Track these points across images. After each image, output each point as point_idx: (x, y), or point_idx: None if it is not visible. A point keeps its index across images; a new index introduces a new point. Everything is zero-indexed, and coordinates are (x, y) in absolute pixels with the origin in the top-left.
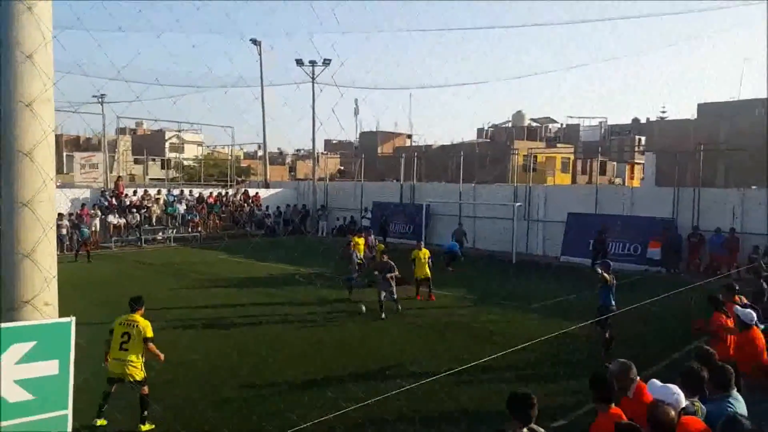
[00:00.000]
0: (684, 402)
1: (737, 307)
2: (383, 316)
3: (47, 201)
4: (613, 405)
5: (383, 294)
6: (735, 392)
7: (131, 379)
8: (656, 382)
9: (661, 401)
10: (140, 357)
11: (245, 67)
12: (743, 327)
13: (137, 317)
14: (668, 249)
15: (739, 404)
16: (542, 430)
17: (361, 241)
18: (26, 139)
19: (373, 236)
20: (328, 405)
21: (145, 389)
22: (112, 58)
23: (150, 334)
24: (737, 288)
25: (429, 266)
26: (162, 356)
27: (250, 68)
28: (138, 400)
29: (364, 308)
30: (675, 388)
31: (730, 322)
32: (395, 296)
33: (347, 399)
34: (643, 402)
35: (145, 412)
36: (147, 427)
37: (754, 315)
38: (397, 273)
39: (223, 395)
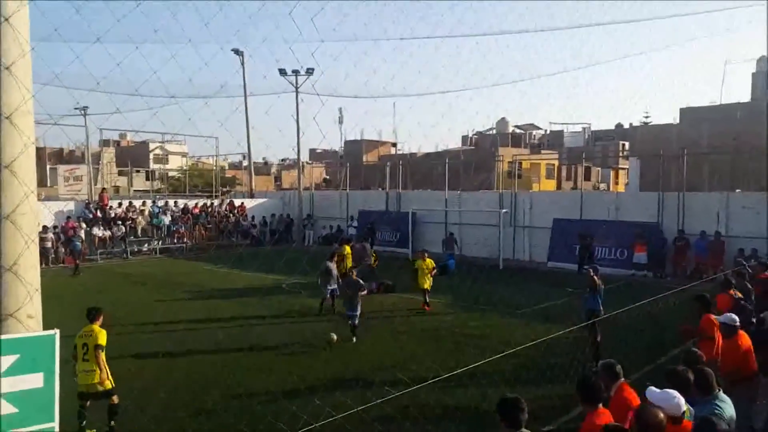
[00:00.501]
0: (684, 406)
1: (717, 317)
2: (354, 340)
3: (29, 213)
4: (600, 406)
5: (350, 317)
6: (721, 393)
7: (100, 389)
8: (654, 389)
9: (656, 405)
10: (104, 362)
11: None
12: (728, 334)
13: (94, 327)
14: (652, 253)
15: (726, 405)
16: None
17: (349, 249)
18: (6, 151)
19: (368, 244)
20: (315, 413)
21: (115, 399)
22: (91, 70)
23: (101, 342)
24: (733, 282)
25: (431, 277)
26: (105, 371)
27: (231, 78)
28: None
29: (335, 337)
30: (674, 392)
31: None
32: (356, 322)
33: (334, 406)
34: (622, 400)
35: (113, 422)
36: None
37: (737, 319)
38: (364, 293)
39: (207, 405)
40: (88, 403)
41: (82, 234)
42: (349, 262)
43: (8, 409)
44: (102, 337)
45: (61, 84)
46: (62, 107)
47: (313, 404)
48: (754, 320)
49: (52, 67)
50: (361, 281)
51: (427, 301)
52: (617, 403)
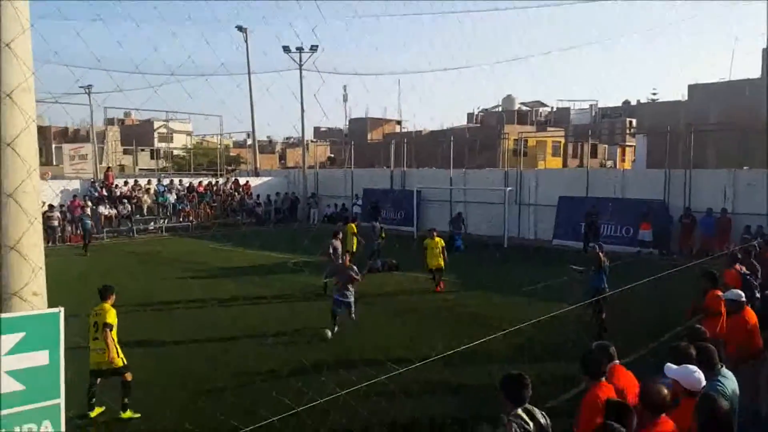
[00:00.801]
0: (704, 381)
1: (724, 293)
2: (335, 330)
3: (32, 192)
4: (603, 379)
5: (338, 309)
6: (724, 369)
7: (110, 367)
8: (671, 365)
9: (682, 385)
10: (114, 341)
11: (228, 56)
12: (734, 310)
13: (105, 305)
14: (657, 231)
15: (728, 381)
16: (536, 410)
17: (354, 228)
18: (8, 129)
19: (378, 223)
20: (320, 390)
21: (128, 376)
22: (92, 48)
23: (109, 320)
24: (740, 257)
25: (444, 257)
26: (112, 350)
27: (233, 56)
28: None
29: (329, 334)
30: (693, 367)
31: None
32: (351, 310)
33: (338, 383)
34: (615, 383)
35: (126, 399)
36: (128, 414)
37: (743, 294)
38: (360, 279)
39: (212, 382)
40: (99, 381)
41: (88, 213)
42: (354, 241)
43: (15, 386)
44: (111, 316)
45: (62, 62)
46: (65, 86)
47: (318, 381)
48: (758, 296)
49: (53, 45)
50: (354, 268)
51: (438, 280)
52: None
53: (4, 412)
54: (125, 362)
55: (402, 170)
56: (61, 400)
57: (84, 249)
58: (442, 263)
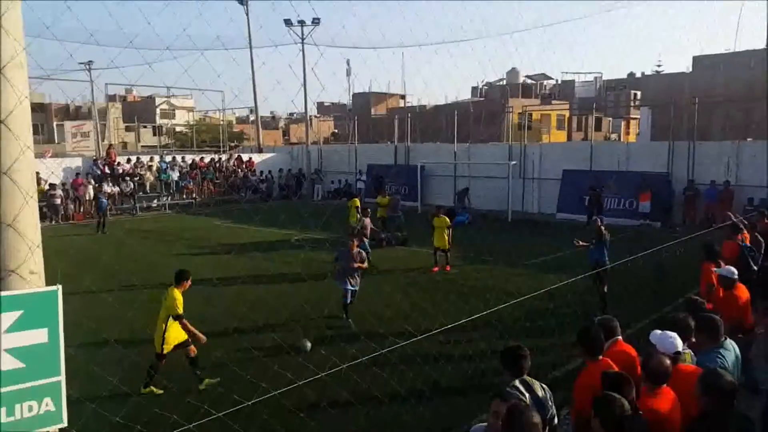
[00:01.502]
0: (680, 346)
1: (717, 269)
2: (349, 320)
3: (26, 169)
4: (601, 357)
5: (348, 293)
6: (727, 342)
7: (157, 350)
8: (657, 331)
9: (657, 348)
10: (163, 327)
11: (229, 29)
12: (726, 286)
13: (170, 289)
14: (659, 203)
15: (729, 354)
16: (536, 381)
17: (356, 203)
18: (1, 106)
19: (399, 197)
20: (321, 364)
21: (192, 350)
22: (85, 23)
23: (167, 303)
24: (741, 228)
25: (448, 236)
26: (201, 337)
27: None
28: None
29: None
30: (672, 333)
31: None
32: (351, 300)
33: (340, 356)
34: (616, 354)
35: (197, 371)
36: (148, 390)
37: (735, 271)
38: (365, 266)
39: (213, 357)
40: (164, 361)
41: (91, 191)
42: (355, 216)
43: (15, 363)
44: (170, 301)
45: (54, 37)
46: (66, 64)
47: (319, 354)
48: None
49: (46, 20)
50: (363, 255)
51: (440, 262)
52: (612, 358)
53: (4, 389)
54: (161, 350)
55: (406, 145)
56: (62, 378)
57: (101, 228)
58: (446, 244)
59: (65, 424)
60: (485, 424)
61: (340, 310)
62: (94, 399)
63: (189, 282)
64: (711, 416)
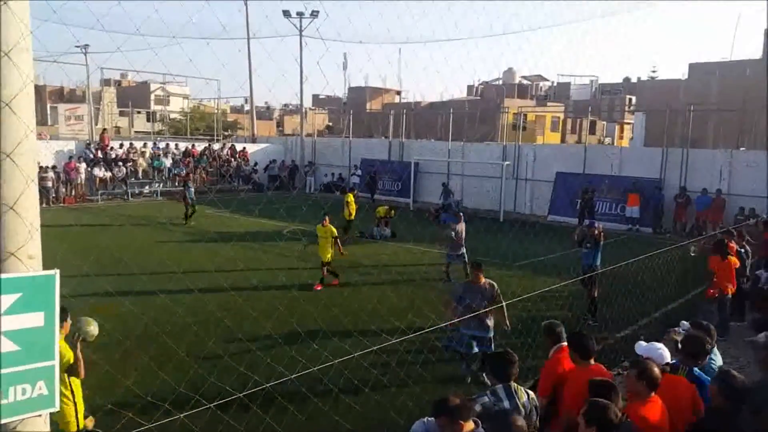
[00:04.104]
0: (668, 357)
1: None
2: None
3: (29, 153)
4: (592, 361)
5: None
6: (713, 348)
7: None
8: (641, 342)
9: (648, 357)
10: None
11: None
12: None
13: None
14: (649, 208)
15: (717, 358)
16: (522, 389)
17: (351, 198)
18: (5, 89)
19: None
20: (313, 358)
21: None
22: (91, 7)
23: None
24: (734, 234)
25: (334, 247)
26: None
27: (234, 19)
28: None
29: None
30: (659, 344)
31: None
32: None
33: (332, 351)
34: (555, 362)
35: None
36: None
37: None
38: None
39: (206, 348)
40: None
41: (83, 175)
42: (353, 211)
43: (11, 346)
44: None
45: (61, 21)
46: (62, 45)
47: (312, 349)
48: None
49: (51, 3)
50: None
51: (323, 278)
52: (552, 363)
53: (3, 371)
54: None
55: (400, 141)
56: (56, 362)
57: (188, 217)
58: (327, 256)
59: (57, 408)
60: (426, 419)
61: (335, 305)
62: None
63: (69, 321)
64: (723, 412)
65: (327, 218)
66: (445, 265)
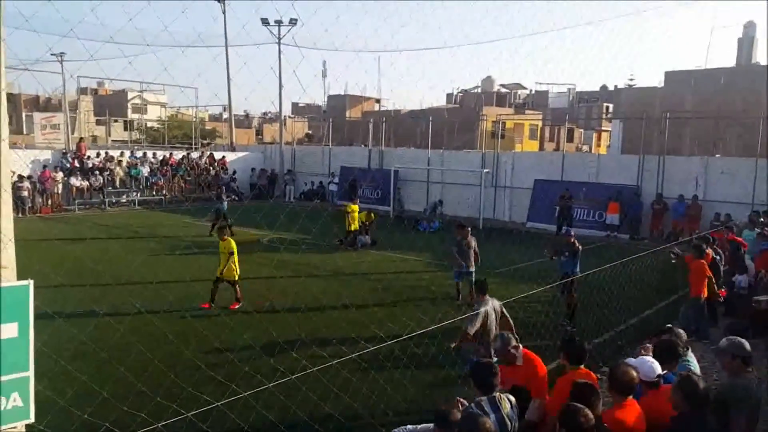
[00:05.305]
0: (659, 370)
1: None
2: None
3: (2, 162)
4: (583, 366)
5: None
6: (689, 353)
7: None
8: (630, 359)
9: (631, 366)
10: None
11: (205, 27)
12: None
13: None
14: (627, 215)
15: (693, 360)
16: (506, 400)
17: (356, 208)
18: None
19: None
20: (293, 367)
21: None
22: (64, 15)
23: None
24: (704, 247)
25: (232, 263)
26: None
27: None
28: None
29: None
30: (649, 358)
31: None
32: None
33: (311, 360)
34: (534, 365)
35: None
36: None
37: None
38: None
39: (184, 358)
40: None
41: (60, 184)
42: (355, 222)
43: None
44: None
45: (33, 29)
46: (36, 53)
47: (291, 358)
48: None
49: (23, 11)
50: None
51: (236, 294)
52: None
53: None
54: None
55: (380, 149)
56: (30, 373)
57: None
58: (233, 275)
59: (32, 420)
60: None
61: (315, 313)
62: (62, 395)
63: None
64: (687, 418)
65: (225, 231)
66: (455, 285)
